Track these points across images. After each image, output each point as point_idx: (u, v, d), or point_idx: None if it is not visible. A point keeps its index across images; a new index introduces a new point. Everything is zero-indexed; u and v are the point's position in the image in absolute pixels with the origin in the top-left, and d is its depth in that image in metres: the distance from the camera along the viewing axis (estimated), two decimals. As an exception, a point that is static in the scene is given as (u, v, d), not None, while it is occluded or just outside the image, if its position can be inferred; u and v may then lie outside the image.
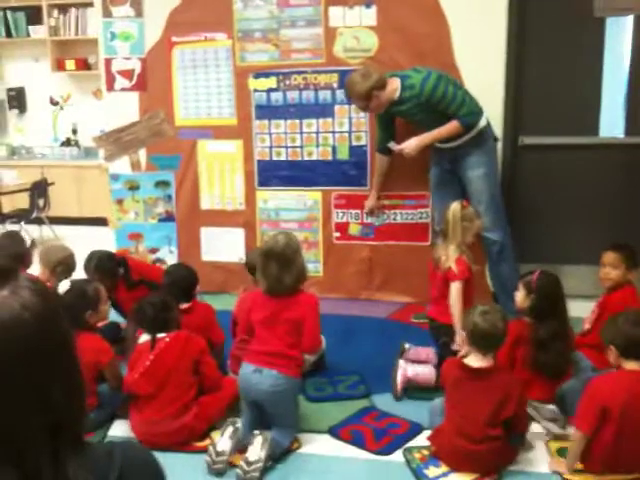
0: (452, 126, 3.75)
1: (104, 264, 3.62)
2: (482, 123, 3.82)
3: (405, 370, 3.25)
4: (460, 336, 3.18)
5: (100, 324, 3.51)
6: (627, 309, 2.87)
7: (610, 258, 3.34)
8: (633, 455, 2.53)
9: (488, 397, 2.58)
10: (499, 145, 4.10)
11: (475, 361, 2.67)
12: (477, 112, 3.78)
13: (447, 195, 4.05)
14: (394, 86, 3.75)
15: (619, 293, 3.24)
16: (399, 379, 3.23)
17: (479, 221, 3.48)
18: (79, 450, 0.89)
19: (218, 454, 2.67)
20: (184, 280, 3.39)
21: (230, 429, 2.75)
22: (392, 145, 3.92)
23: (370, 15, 4.16)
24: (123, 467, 0.92)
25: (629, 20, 4.13)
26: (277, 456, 2.75)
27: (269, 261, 2.84)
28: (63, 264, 3.64)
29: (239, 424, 2.77)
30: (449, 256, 3.29)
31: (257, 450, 2.65)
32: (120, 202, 4.77)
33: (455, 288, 3.26)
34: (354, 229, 4.49)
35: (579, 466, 2.60)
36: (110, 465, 0.90)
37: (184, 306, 3.28)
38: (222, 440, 2.72)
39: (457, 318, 3.21)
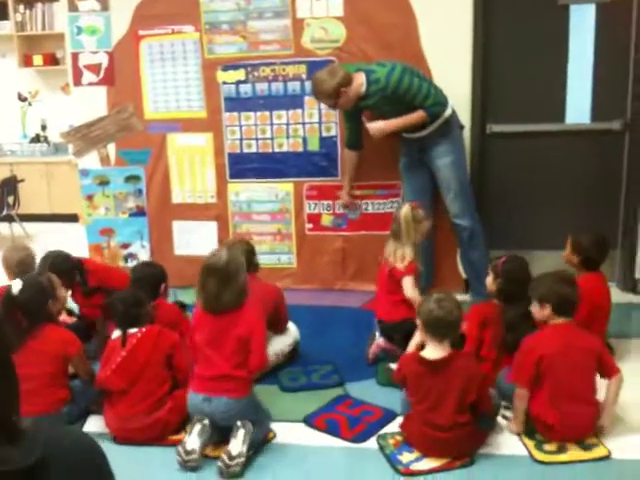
0: (418, 115, 3.79)
1: (59, 265, 3.46)
2: (447, 112, 3.87)
3: (378, 340, 3.43)
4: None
5: (67, 320, 3.51)
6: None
7: (566, 241, 3.50)
8: (575, 412, 2.67)
9: (451, 386, 2.59)
10: (468, 133, 4.15)
11: (432, 352, 2.66)
12: (443, 102, 3.82)
13: (417, 184, 4.12)
14: (360, 81, 3.76)
15: (585, 277, 3.31)
16: (372, 348, 3.43)
17: (427, 222, 3.58)
18: (14, 440, 0.92)
19: (188, 453, 2.65)
20: (151, 277, 3.36)
21: (198, 426, 2.72)
22: (364, 118, 3.97)
23: (337, 6, 4.16)
24: (48, 452, 0.93)
25: (592, 7, 4.18)
26: (254, 447, 2.74)
27: (208, 277, 2.74)
28: (24, 264, 3.58)
29: (206, 420, 2.74)
30: (404, 257, 3.41)
31: (239, 444, 2.64)
32: (90, 198, 4.74)
33: (408, 281, 3.38)
34: (326, 220, 4.51)
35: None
36: (32, 450, 0.92)
37: None
38: (190, 438, 2.70)
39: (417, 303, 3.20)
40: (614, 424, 2.79)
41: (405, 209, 3.48)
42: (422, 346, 2.82)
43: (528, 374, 2.69)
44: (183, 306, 3.70)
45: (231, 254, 2.81)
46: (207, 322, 2.78)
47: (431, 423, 2.61)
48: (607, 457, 2.62)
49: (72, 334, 3.04)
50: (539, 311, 2.80)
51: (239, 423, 2.70)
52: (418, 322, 2.75)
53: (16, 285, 2.89)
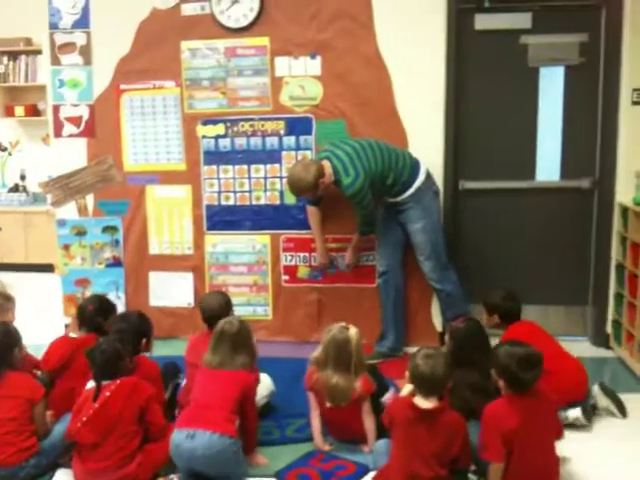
0: (358, 238, 4.27)
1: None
2: (420, 179, 4.02)
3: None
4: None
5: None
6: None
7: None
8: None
9: (437, 437, 2.59)
10: (441, 189, 4.23)
11: (422, 402, 2.66)
12: (370, 223, 4.10)
13: (392, 238, 4.21)
14: (329, 170, 3.91)
15: (512, 328, 3.45)
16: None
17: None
18: None
19: None
20: (129, 331, 3.21)
21: None
22: (344, 267, 4.42)
23: (315, 65, 4.29)
24: None
25: (561, 69, 4.33)
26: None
27: (221, 343, 3.01)
28: None
29: (174, 476, 2.74)
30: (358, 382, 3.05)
31: None
32: (67, 247, 4.74)
33: (367, 405, 3.07)
34: (302, 272, 4.54)
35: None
36: None
37: None
38: None
39: (373, 433, 3.07)
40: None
41: (353, 333, 3.10)
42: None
43: (501, 451, 2.57)
44: (176, 369, 3.59)
45: (242, 323, 3.10)
46: (210, 373, 2.98)
47: (412, 474, 2.59)
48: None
49: (37, 381, 3.07)
50: (499, 383, 2.72)
51: None
52: (407, 374, 2.75)
53: None
